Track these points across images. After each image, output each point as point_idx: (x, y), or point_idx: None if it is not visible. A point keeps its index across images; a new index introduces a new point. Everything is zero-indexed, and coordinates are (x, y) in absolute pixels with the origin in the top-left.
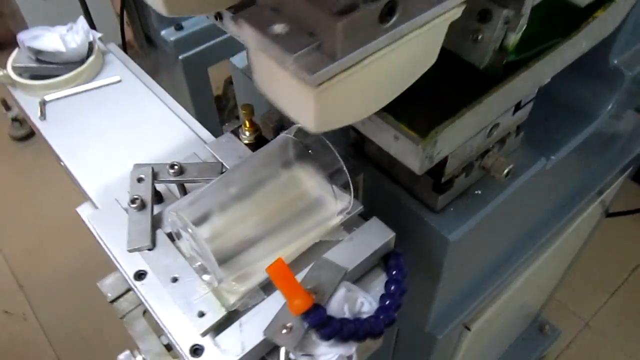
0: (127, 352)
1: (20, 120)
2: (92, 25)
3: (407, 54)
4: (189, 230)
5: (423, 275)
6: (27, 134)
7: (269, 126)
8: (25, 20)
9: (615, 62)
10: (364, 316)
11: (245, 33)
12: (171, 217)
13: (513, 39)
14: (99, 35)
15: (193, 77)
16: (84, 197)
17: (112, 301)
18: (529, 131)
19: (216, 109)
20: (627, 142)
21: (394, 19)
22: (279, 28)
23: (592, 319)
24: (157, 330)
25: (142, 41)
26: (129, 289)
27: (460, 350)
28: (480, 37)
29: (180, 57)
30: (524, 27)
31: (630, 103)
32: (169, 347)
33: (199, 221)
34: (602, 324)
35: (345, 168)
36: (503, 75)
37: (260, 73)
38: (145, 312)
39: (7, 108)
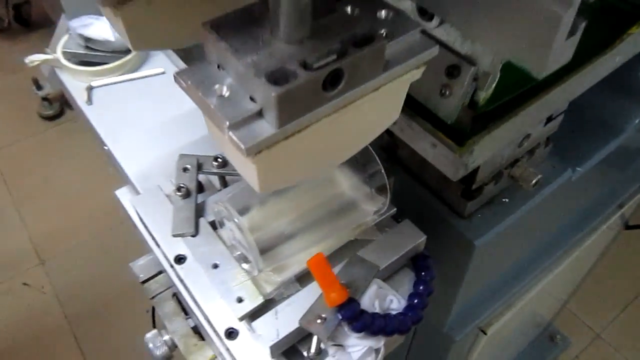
0: (155, 331)
1: (50, 100)
2: None
3: (359, 117)
4: (235, 219)
5: (446, 278)
6: (56, 113)
7: None
8: (60, 3)
9: None
10: (393, 312)
11: (190, 91)
12: (217, 206)
13: (482, 96)
14: None
15: None
16: (123, 180)
17: (144, 282)
18: (557, 143)
19: None
20: None
21: (340, 86)
22: (220, 89)
23: (603, 331)
24: (184, 311)
25: None
26: (160, 272)
27: (473, 353)
28: (448, 92)
29: None
30: (494, 85)
31: None
32: (195, 330)
33: (243, 212)
34: (613, 337)
35: (384, 171)
36: (485, 117)
37: (210, 127)
38: (175, 294)
39: (39, 88)
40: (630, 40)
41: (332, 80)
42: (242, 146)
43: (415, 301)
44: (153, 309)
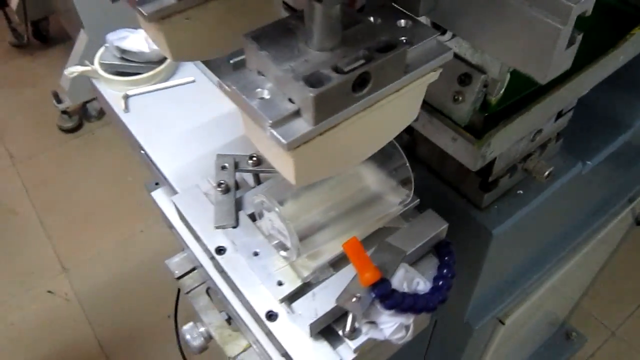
0: (191, 323)
1: (69, 113)
2: None
3: (384, 116)
4: (276, 209)
5: (466, 268)
6: (75, 126)
7: None
8: (80, 19)
9: None
10: (420, 293)
11: (232, 95)
12: (257, 198)
13: (493, 100)
14: None
15: None
16: (143, 187)
17: (179, 278)
18: (568, 138)
19: None
20: None
21: (367, 88)
22: (262, 92)
23: (618, 329)
24: (218, 306)
25: None
26: (194, 268)
27: (492, 345)
28: (461, 98)
29: (231, 61)
30: (502, 90)
31: None
32: (228, 321)
33: (280, 204)
34: (629, 334)
35: (408, 164)
36: (495, 118)
37: (248, 127)
38: (209, 289)
39: (59, 101)
40: (633, 40)
41: (361, 83)
42: (284, 141)
43: (440, 283)
44: (175, 313)
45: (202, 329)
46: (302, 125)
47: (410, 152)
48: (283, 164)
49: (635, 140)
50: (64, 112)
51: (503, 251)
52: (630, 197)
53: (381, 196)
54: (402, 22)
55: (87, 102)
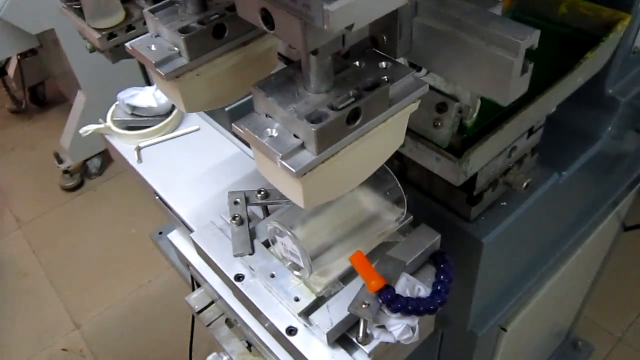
0: (215, 353)
1: (70, 172)
2: (149, 84)
3: (374, 143)
4: (288, 233)
5: (462, 278)
6: (77, 184)
7: None
8: (77, 80)
9: (610, 90)
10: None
11: (246, 136)
12: (270, 225)
13: (468, 123)
14: None
15: None
16: (148, 237)
17: (199, 312)
18: (543, 152)
19: None
20: (632, 160)
21: (359, 121)
22: (271, 132)
23: (624, 335)
24: (239, 334)
25: None
26: (212, 302)
27: (498, 353)
28: (440, 124)
29: (226, 109)
30: (475, 114)
31: (629, 125)
32: (249, 348)
33: (292, 229)
34: (635, 339)
35: (400, 185)
36: (472, 139)
37: (260, 163)
38: (227, 320)
39: (60, 161)
40: (588, 63)
41: (353, 117)
42: (293, 170)
43: (439, 287)
44: (190, 353)
45: (225, 358)
46: (307, 156)
47: (402, 175)
48: (293, 191)
49: (607, 149)
50: (65, 171)
51: (495, 258)
52: (614, 200)
53: (379, 215)
54: (383, 63)
55: (86, 160)
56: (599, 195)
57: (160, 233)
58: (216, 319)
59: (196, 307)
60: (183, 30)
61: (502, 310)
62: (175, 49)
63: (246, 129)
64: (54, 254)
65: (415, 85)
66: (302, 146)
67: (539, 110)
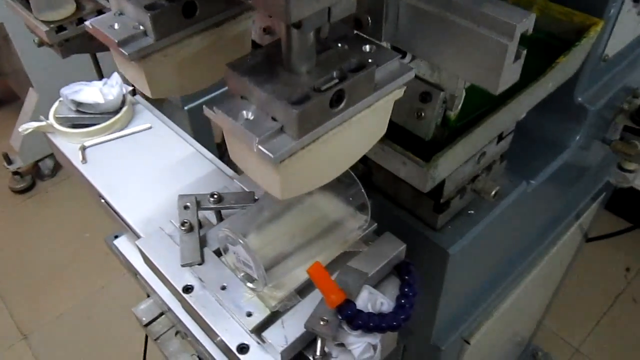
0: None
1: (21, 174)
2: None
3: (357, 131)
4: (241, 241)
5: (427, 288)
6: (27, 186)
7: None
8: (29, 79)
9: (580, 99)
10: (385, 313)
11: (219, 119)
12: (221, 233)
13: (452, 115)
14: (129, 88)
15: (197, 125)
16: (103, 242)
17: (147, 324)
18: (511, 159)
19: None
20: (597, 171)
21: (342, 104)
22: (247, 114)
23: (581, 345)
24: (190, 348)
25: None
26: (162, 313)
27: None
28: (423, 114)
29: (185, 107)
30: (460, 105)
31: (597, 135)
32: None
33: (245, 237)
34: (592, 349)
35: (363, 190)
36: (456, 134)
37: (233, 150)
38: (177, 332)
39: (9, 162)
40: (559, 68)
41: (337, 100)
42: (272, 156)
43: (403, 301)
44: None
45: None
46: (286, 141)
47: (366, 180)
48: (269, 179)
49: (574, 159)
50: (15, 173)
51: (461, 269)
52: (577, 212)
53: (341, 223)
54: (367, 47)
55: (38, 161)
56: (564, 206)
57: (117, 237)
58: (165, 331)
59: (144, 319)
60: (150, 7)
61: (466, 323)
62: (141, 27)
63: (219, 111)
64: (1, 260)
65: (401, 71)
66: (281, 130)
67: (509, 115)
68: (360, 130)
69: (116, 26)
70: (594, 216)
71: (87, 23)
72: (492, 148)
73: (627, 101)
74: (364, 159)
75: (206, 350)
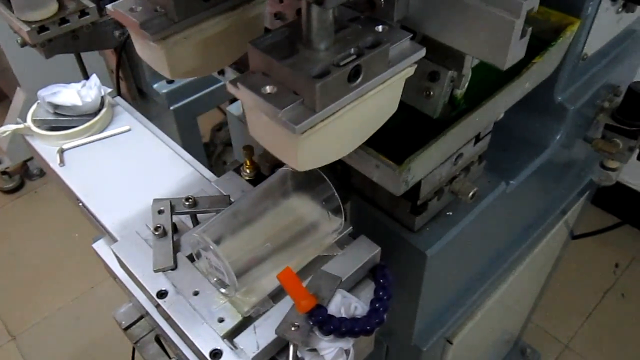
0: None
1: (9, 173)
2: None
3: (372, 106)
4: (211, 247)
5: (406, 290)
6: (16, 186)
7: (265, 164)
8: (16, 78)
9: (560, 98)
10: (358, 317)
11: (242, 94)
12: (193, 238)
13: (459, 93)
14: (108, 90)
15: (183, 126)
16: (95, 234)
17: (126, 328)
18: (491, 160)
19: (205, 154)
20: (581, 169)
21: (359, 79)
22: (269, 89)
23: (570, 342)
24: (168, 353)
25: (135, 94)
26: (141, 317)
27: None
28: (431, 93)
29: (171, 107)
30: (467, 84)
31: (578, 133)
32: None
33: (217, 242)
34: (581, 346)
35: (337, 194)
36: (462, 113)
37: (253, 125)
38: (157, 337)
39: None
40: (535, 68)
41: (355, 74)
42: (294, 126)
43: (377, 305)
44: None
45: None
46: (307, 113)
47: (345, 182)
48: (288, 151)
49: (556, 157)
50: (3, 172)
51: (440, 271)
52: (563, 209)
53: (316, 226)
54: (380, 27)
55: (27, 160)
56: (547, 204)
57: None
58: (145, 335)
59: (124, 322)
60: None
61: (448, 323)
62: (162, 10)
63: (242, 86)
64: None
65: (412, 49)
66: (302, 103)
67: (485, 116)
68: (374, 106)
69: (137, 9)
70: (580, 213)
71: (108, 7)
72: (470, 149)
73: (608, 99)
74: (342, 160)
75: (183, 354)
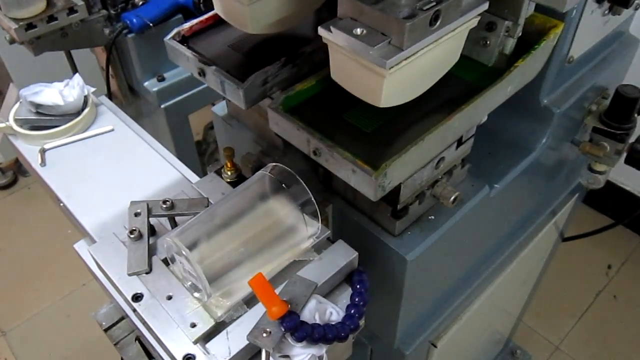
0: None
1: (2, 169)
2: None
3: (443, 51)
4: (183, 252)
5: (387, 294)
6: (9, 182)
7: (247, 166)
8: (10, 75)
9: (545, 101)
10: (333, 323)
11: (334, 37)
12: (167, 243)
13: (511, 42)
14: (92, 89)
15: (174, 124)
16: (81, 234)
17: (106, 329)
18: (475, 164)
19: (197, 153)
20: (569, 172)
21: (438, 23)
22: (359, 31)
23: (561, 343)
24: (148, 354)
25: (125, 92)
26: (122, 318)
27: None
28: (488, 42)
29: (162, 105)
30: (520, 34)
31: (565, 136)
32: None
33: (191, 246)
34: (572, 347)
35: (313, 199)
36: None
37: (337, 67)
38: (137, 338)
39: None
40: (517, 72)
41: (435, 18)
42: (385, 61)
43: (352, 311)
44: None
45: None
46: (395, 50)
47: (327, 185)
48: (374, 89)
49: (543, 160)
50: None
51: (421, 275)
52: (552, 211)
53: (293, 230)
54: None
55: None
56: (535, 207)
57: None
58: (125, 336)
59: (104, 323)
60: None
61: (432, 327)
62: None
63: (335, 29)
64: None
65: (477, 3)
66: (390, 42)
67: (466, 119)
68: (444, 52)
69: None
70: (570, 215)
71: None
72: (452, 153)
73: (596, 102)
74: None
75: (160, 357)
